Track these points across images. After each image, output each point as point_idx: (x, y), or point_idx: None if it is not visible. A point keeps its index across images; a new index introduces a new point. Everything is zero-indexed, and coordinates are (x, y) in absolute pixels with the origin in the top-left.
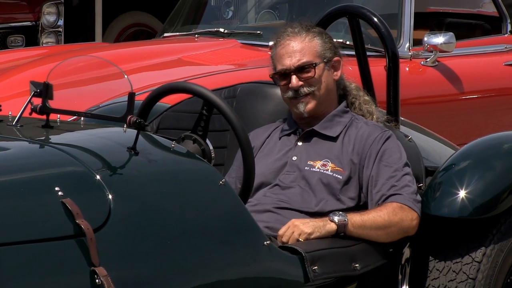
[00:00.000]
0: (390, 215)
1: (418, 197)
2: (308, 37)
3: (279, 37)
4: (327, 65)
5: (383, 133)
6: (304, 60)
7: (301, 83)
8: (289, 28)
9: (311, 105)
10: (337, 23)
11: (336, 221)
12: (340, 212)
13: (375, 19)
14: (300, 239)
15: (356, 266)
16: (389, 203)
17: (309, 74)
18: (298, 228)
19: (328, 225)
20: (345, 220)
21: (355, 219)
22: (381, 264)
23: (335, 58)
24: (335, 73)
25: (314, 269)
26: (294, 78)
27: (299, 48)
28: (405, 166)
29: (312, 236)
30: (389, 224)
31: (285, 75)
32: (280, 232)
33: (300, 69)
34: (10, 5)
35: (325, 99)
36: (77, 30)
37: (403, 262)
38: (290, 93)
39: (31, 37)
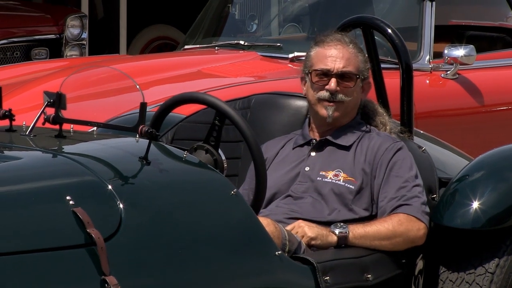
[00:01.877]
0: (395, 226)
1: (427, 209)
2: (354, 51)
3: (326, 38)
4: (361, 83)
5: (394, 143)
6: (349, 68)
7: (338, 88)
8: (338, 34)
9: (338, 113)
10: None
11: (337, 233)
12: (342, 224)
13: (389, 30)
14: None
15: (368, 277)
16: (394, 214)
17: (349, 84)
18: (303, 230)
19: (330, 237)
20: (346, 232)
21: (357, 230)
22: (394, 275)
23: (368, 81)
24: (362, 94)
25: (326, 279)
26: (333, 82)
27: (346, 56)
28: (415, 177)
29: (313, 242)
30: (393, 234)
31: (325, 75)
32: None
33: (342, 76)
34: (34, 18)
35: (349, 112)
36: (102, 44)
37: (416, 273)
38: (324, 94)
39: (55, 50)
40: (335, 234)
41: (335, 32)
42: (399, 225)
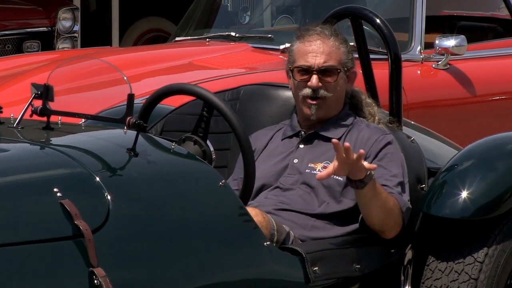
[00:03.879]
0: (394, 206)
1: (408, 210)
2: (336, 43)
3: (307, 33)
4: (345, 74)
5: (384, 136)
6: (330, 63)
7: (320, 84)
8: (319, 28)
9: (322, 110)
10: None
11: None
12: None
13: (378, 20)
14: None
15: (357, 267)
16: (393, 196)
17: (330, 79)
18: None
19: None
20: (372, 176)
21: (378, 186)
22: (383, 265)
23: (353, 70)
24: (348, 84)
25: (315, 270)
26: (315, 78)
27: (327, 50)
28: (402, 175)
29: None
30: (391, 212)
31: (306, 72)
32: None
33: (323, 72)
34: (26, 10)
35: (335, 106)
36: (94, 36)
37: (405, 263)
38: (307, 91)
39: (47, 43)
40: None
41: (316, 25)
42: (395, 207)
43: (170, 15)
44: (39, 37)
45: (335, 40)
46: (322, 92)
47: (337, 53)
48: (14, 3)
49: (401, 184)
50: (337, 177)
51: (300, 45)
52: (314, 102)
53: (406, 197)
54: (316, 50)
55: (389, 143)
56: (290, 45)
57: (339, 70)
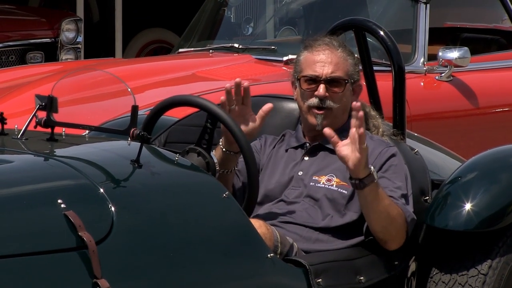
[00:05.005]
0: (398, 215)
1: (414, 218)
2: (344, 54)
3: (315, 43)
4: (351, 86)
5: (388, 148)
6: (338, 74)
7: (327, 94)
8: (327, 38)
9: (327, 121)
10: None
11: (371, 169)
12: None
13: (381, 32)
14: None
15: (361, 279)
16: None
17: (338, 89)
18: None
19: (367, 168)
20: (375, 179)
21: (381, 190)
22: (387, 277)
23: (359, 83)
24: (353, 96)
25: (319, 281)
26: (322, 87)
27: (335, 61)
28: (406, 187)
29: (358, 155)
30: (393, 220)
31: (313, 81)
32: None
33: (331, 81)
34: (30, 21)
35: (340, 117)
36: (98, 47)
37: (409, 275)
38: (314, 101)
39: (51, 54)
40: (370, 170)
41: (324, 35)
42: (399, 217)
43: (173, 26)
44: (42, 48)
45: (343, 51)
46: (328, 103)
47: (345, 64)
48: (17, 14)
49: (404, 196)
50: (341, 190)
51: (308, 54)
52: (320, 112)
53: (410, 208)
54: (324, 60)
55: (393, 155)
56: (297, 55)
57: (346, 81)
